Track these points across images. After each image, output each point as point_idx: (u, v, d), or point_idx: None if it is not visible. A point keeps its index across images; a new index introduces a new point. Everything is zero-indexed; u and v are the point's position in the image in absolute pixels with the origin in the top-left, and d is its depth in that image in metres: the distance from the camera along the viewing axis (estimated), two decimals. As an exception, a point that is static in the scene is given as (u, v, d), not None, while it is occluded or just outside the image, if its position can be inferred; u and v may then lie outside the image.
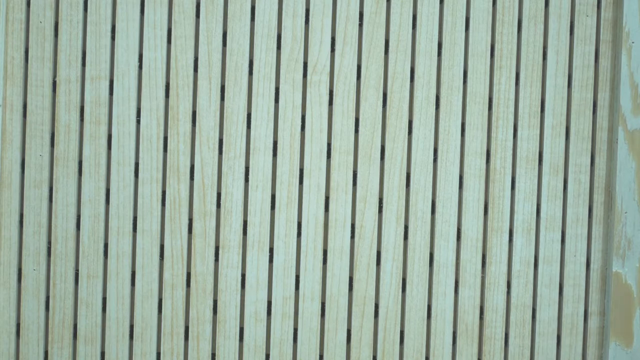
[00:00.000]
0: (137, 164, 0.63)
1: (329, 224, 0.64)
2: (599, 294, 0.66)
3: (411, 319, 0.65)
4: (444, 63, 0.65)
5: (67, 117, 0.63)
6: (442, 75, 0.65)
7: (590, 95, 0.66)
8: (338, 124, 0.64)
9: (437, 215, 0.65)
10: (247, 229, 0.64)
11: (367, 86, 0.64)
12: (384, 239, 0.64)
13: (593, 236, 0.66)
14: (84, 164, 0.63)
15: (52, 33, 0.63)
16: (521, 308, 0.65)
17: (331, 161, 0.64)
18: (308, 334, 0.64)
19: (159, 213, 0.63)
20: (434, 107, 0.65)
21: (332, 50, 0.64)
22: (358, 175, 0.64)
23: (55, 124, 0.63)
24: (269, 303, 0.64)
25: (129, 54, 0.63)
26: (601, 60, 0.66)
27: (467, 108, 0.65)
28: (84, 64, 0.63)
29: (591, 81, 0.66)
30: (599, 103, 0.66)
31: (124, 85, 0.63)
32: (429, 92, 0.65)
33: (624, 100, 0.65)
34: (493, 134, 0.65)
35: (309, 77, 0.64)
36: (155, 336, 0.63)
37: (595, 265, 0.66)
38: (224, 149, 0.64)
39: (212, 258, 0.64)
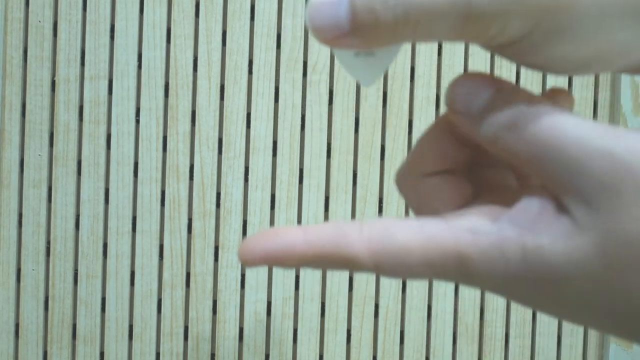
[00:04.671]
0: (136, 164, 0.63)
1: (329, 224, 0.64)
2: (599, 294, 0.66)
3: (411, 319, 0.64)
4: (444, 63, 0.65)
5: (66, 117, 0.63)
6: (442, 75, 0.65)
7: (590, 95, 0.66)
8: (338, 124, 0.64)
9: (437, 215, 0.65)
10: (247, 229, 0.64)
11: (367, 86, 0.64)
12: (384, 239, 0.64)
13: (593, 236, 0.66)
14: (83, 163, 0.63)
15: (51, 32, 0.63)
16: (521, 308, 0.65)
17: (331, 161, 0.64)
18: (308, 334, 0.64)
19: (159, 213, 0.63)
20: (434, 107, 0.65)
21: (332, 49, 0.64)
22: (358, 175, 0.64)
23: (54, 124, 0.63)
24: (269, 303, 0.64)
25: (128, 53, 0.63)
26: (602, 60, 0.66)
27: (468, 108, 0.65)
28: (83, 64, 0.63)
29: (592, 81, 0.66)
30: (600, 102, 0.66)
31: (123, 85, 0.63)
32: (429, 92, 0.65)
33: (625, 100, 0.64)
34: (493, 134, 0.65)
35: (308, 76, 0.64)
36: (155, 336, 0.63)
37: (596, 265, 0.66)
38: (223, 148, 0.64)
39: (212, 258, 0.63)
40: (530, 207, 0.17)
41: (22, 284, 0.63)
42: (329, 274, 0.64)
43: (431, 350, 0.65)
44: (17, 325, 0.63)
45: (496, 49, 0.18)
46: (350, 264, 0.18)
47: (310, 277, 0.64)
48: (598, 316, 0.17)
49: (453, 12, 0.17)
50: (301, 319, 0.64)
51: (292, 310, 0.64)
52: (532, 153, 0.17)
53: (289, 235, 0.19)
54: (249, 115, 0.64)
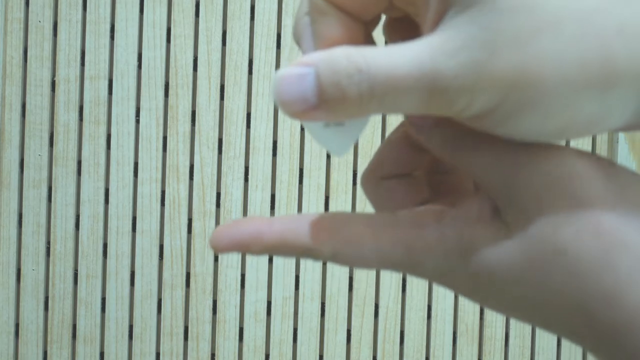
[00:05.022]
0: (136, 164, 0.63)
1: (329, 224, 0.64)
2: (599, 294, 0.66)
3: (411, 319, 0.64)
4: (444, 62, 0.65)
5: (66, 117, 0.63)
6: (442, 75, 0.65)
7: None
8: (338, 124, 0.64)
9: (437, 215, 0.65)
10: (247, 228, 0.64)
11: (367, 86, 0.64)
12: (384, 239, 0.64)
13: (593, 236, 0.66)
14: (83, 163, 0.63)
15: (51, 32, 0.63)
16: (521, 308, 0.65)
17: (331, 161, 0.64)
18: (308, 334, 0.64)
19: (159, 213, 0.63)
20: (434, 106, 0.65)
21: (332, 49, 0.64)
22: (358, 175, 0.64)
23: (54, 124, 0.63)
24: (269, 303, 0.64)
25: (128, 53, 0.63)
26: (602, 60, 0.66)
27: (468, 108, 0.65)
28: (83, 64, 0.63)
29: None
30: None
31: (123, 85, 0.63)
32: (429, 91, 0.65)
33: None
34: (493, 134, 0.65)
35: (308, 76, 0.64)
36: (155, 336, 0.63)
37: (596, 265, 0.66)
38: (223, 148, 0.64)
39: (212, 258, 0.63)
40: (471, 208, 0.20)
41: (22, 284, 0.63)
42: (328, 273, 0.64)
43: (431, 350, 0.65)
44: (17, 325, 0.63)
45: (464, 120, 0.19)
46: (310, 252, 0.20)
47: (310, 277, 0.64)
48: (528, 312, 0.19)
49: (418, 87, 0.17)
50: (301, 319, 0.64)
51: (292, 310, 0.64)
52: (471, 167, 0.20)
53: (257, 223, 0.21)
54: (249, 115, 0.64)
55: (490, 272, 0.19)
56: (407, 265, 0.20)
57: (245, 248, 0.21)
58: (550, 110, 0.17)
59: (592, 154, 0.19)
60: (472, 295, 0.20)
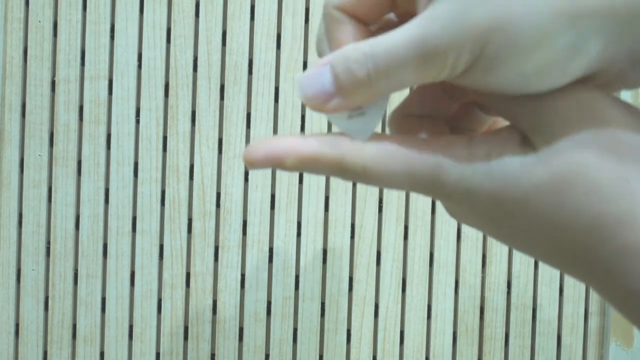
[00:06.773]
0: (136, 164, 0.63)
1: (329, 224, 0.64)
2: (599, 294, 0.66)
3: (411, 319, 0.64)
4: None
5: (66, 117, 0.63)
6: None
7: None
8: (338, 124, 0.64)
9: (437, 215, 0.65)
10: (247, 228, 0.64)
11: (367, 86, 0.64)
12: (384, 239, 0.64)
13: (593, 236, 0.66)
14: (83, 163, 0.63)
15: (51, 32, 0.63)
16: (521, 308, 0.65)
17: (331, 161, 0.64)
18: (308, 334, 0.64)
19: (159, 213, 0.63)
20: (434, 106, 0.65)
21: (332, 49, 0.64)
22: (358, 175, 0.64)
23: (54, 124, 0.63)
24: (269, 303, 0.64)
25: (128, 53, 0.63)
26: (601, 60, 0.66)
27: (467, 108, 0.65)
28: (83, 64, 0.63)
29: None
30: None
31: (123, 85, 0.63)
32: (429, 91, 0.64)
33: (624, 99, 0.65)
34: (493, 134, 0.65)
35: (308, 76, 0.64)
36: (155, 336, 0.63)
37: (596, 265, 0.66)
38: (223, 148, 0.64)
39: (212, 258, 0.63)
40: (500, 134, 0.21)
41: (22, 284, 0.63)
42: (328, 273, 0.64)
43: (431, 350, 0.65)
44: (17, 325, 0.63)
45: (457, 81, 0.21)
46: (342, 166, 0.21)
47: (311, 277, 0.64)
48: (540, 236, 0.20)
49: (412, 55, 0.19)
50: (301, 319, 0.64)
51: (292, 310, 0.64)
52: (501, 100, 0.21)
53: (291, 139, 0.22)
54: (249, 115, 0.64)
55: (514, 189, 0.19)
56: (434, 184, 0.21)
57: (279, 162, 0.21)
58: (525, 48, 0.18)
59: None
60: (489, 221, 0.21)
